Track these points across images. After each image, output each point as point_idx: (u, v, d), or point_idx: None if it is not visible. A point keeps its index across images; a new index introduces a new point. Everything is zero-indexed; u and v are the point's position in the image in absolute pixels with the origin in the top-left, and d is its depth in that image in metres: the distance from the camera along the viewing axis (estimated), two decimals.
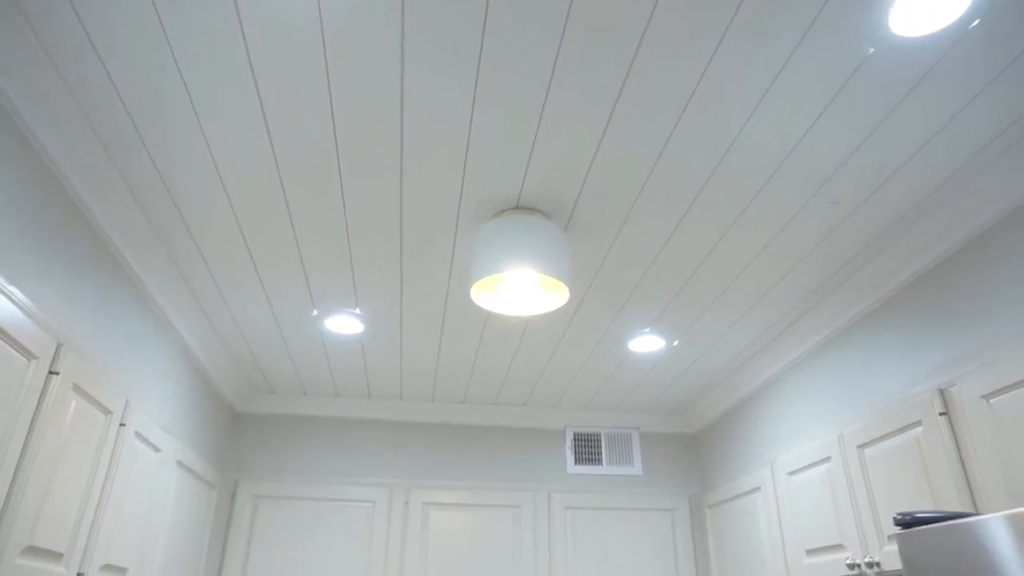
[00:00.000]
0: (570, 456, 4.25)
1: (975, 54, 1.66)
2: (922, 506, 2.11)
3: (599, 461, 4.26)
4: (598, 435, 4.32)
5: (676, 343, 3.30)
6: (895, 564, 2.19)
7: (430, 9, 1.55)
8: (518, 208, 2.26)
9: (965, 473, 1.97)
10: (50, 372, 1.77)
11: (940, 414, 2.07)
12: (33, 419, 1.70)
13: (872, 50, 1.65)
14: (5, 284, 1.57)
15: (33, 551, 1.73)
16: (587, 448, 4.28)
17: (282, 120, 1.88)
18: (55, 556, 1.84)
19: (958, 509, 1.96)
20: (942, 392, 2.08)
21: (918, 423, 2.16)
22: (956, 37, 1.61)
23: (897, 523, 1.69)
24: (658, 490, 4.22)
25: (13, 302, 1.59)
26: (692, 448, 4.39)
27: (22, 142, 1.75)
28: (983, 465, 1.90)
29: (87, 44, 1.63)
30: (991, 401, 1.88)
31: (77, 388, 1.90)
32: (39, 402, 1.73)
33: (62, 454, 1.85)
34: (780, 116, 1.87)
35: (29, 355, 1.67)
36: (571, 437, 4.30)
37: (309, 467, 4.02)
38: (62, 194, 1.96)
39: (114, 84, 1.75)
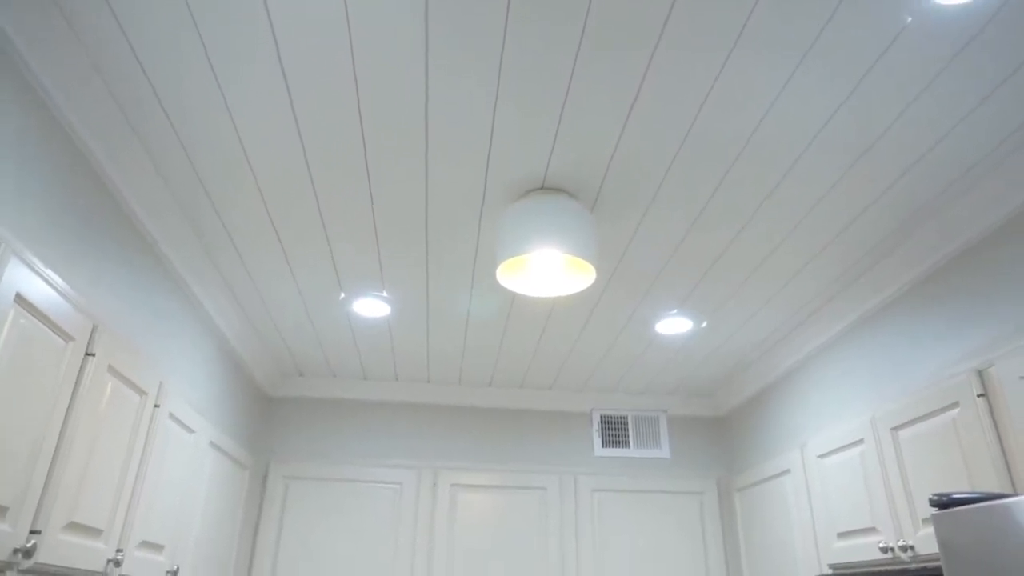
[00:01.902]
0: (597, 439, 4.25)
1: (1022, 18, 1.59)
2: (959, 489, 2.07)
3: (626, 444, 4.25)
4: (625, 418, 4.31)
5: (705, 324, 3.26)
6: (929, 548, 2.16)
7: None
8: (543, 189, 2.25)
9: (1004, 455, 1.93)
10: (86, 354, 1.80)
11: (978, 395, 2.02)
12: (71, 399, 1.74)
13: (910, 19, 1.59)
14: (42, 267, 1.60)
15: (74, 527, 1.78)
16: (614, 431, 4.27)
17: (308, 106, 1.88)
18: (95, 532, 1.89)
19: (996, 491, 1.91)
20: (980, 373, 2.03)
21: (955, 404, 2.11)
22: (1001, 1, 1.55)
23: (933, 504, 1.66)
24: (686, 473, 4.20)
25: (50, 285, 1.62)
26: (720, 431, 4.36)
27: (54, 124, 1.78)
28: None
29: (122, 37, 1.65)
30: None
31: (112, 370, 1.94)
32: (76, 383, 1.77)
33: (99, 434, 1.89)
34: (811, 93, 1.82)
35: (67, 337, 1.70)
36: (598, 420, 4.29)
37: (338, 449, 4.07)
38: (93, 177, 1.99)
39: (145, 72, 1.77)
